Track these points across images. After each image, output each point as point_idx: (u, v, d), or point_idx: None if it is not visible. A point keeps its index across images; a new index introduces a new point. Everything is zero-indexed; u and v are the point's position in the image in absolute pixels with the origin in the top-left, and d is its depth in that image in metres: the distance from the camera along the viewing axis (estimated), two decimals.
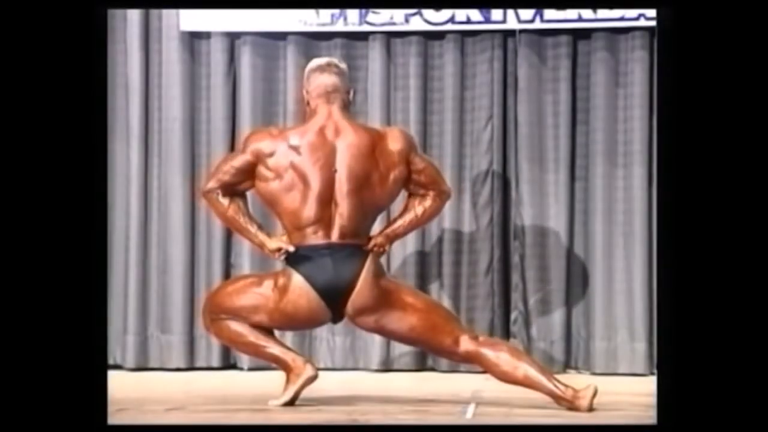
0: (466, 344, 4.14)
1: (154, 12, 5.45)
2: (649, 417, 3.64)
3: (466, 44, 5.37)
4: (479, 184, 5.35)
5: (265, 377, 4.97)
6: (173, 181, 5.47)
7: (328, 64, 4.31)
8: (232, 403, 4.26)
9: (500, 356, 4.12)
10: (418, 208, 4.19)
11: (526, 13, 5.22)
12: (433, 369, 5.31)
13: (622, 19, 5.15)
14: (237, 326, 4.23)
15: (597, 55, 5.29)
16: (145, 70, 5.48)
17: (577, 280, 5.35)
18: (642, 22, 5.17)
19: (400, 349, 5.34)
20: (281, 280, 4.18)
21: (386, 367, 5.37)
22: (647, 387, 4.58)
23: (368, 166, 4.15)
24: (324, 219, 4.14)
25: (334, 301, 4.13)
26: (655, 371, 4.97)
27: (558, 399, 4.01)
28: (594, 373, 5.21)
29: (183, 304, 5.46)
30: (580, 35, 5.29)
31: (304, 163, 4.12)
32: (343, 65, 4.36)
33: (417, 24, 5.24)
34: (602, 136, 5.30)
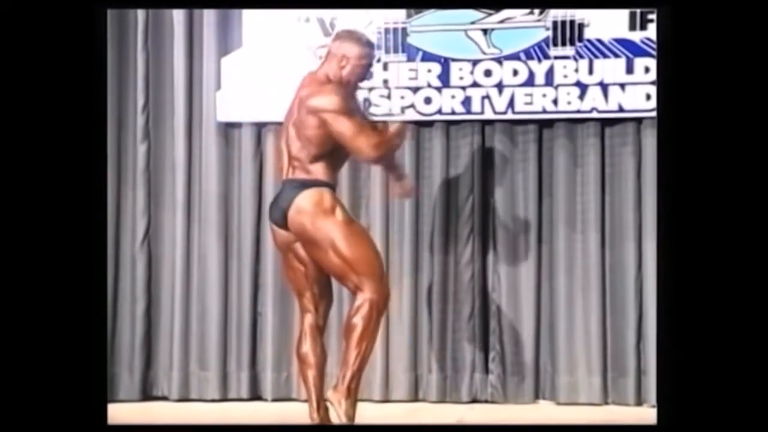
0: (355, 300, 4.46)
1: (196, 105, 5.80)
2: None
3: (451, 131, 5.68)
4: (462, 245, 5.65)
5: (285, 407, 5.36)
6: (210, 243, 5.82)
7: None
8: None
9: (350, 325, 4.43)
10: None
11: (500, 105, 5.51)
12: (423, 400, 5.60)
13: (578, 111, 5.50)
14: (304, 348, 4.60)
15: (558, 141, 5.59)
16: (188, 153, 5.84)
17: (544, 325, 5.62)
18: (594, 114, 5.50)
19: (397, 382, 5.62)
20: None
21: (385, 398, 5.63)
22: (603, 416, 5.13)
23: (302, 113, 4.48)
24: (289, 158, 4.54)
25: (281, 225, 4.51)
26: (609, 401, 5.49)
27: (343, 371, 4.41)
28: (558, 403, 5.51)
29: (218, 346, 5.77)
30: (544, 124, 5.60)
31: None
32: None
33: (411, 114, 5.56)
34: (563, 206, 5.60)
